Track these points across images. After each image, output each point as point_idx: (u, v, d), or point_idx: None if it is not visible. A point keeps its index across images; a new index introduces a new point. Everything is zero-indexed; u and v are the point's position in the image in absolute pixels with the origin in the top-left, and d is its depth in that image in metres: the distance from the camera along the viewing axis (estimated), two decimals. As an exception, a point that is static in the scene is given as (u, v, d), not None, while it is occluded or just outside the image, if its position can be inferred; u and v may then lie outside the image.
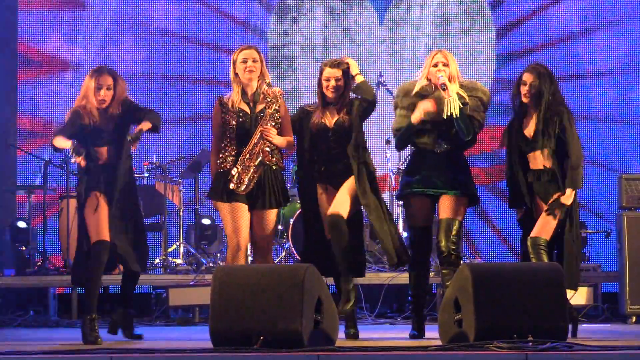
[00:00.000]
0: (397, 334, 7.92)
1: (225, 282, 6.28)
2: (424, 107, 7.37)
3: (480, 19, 12.21)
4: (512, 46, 12.15)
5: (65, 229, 10.68)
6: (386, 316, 10.10)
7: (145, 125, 7.29)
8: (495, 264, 7.36)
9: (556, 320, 6.17)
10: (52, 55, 12.12)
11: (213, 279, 6.33)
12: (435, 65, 7.41)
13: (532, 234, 7.35)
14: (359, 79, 7.49)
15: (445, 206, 7.41)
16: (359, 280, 9.45)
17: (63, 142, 7.29)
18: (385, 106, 11.26)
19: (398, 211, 10.71)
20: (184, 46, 12.14)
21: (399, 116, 7.55)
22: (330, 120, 7.42)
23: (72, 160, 7.45)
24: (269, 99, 7.33)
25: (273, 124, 7.32)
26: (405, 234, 10.38)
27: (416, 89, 7.47)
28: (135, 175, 9.10)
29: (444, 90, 7.31)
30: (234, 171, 7.20)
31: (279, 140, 7.30)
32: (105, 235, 7.26)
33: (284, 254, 10.64)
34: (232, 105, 7.31)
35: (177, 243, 10.89)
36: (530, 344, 5.93)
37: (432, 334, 7.10)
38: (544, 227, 7.34)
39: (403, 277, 9.52)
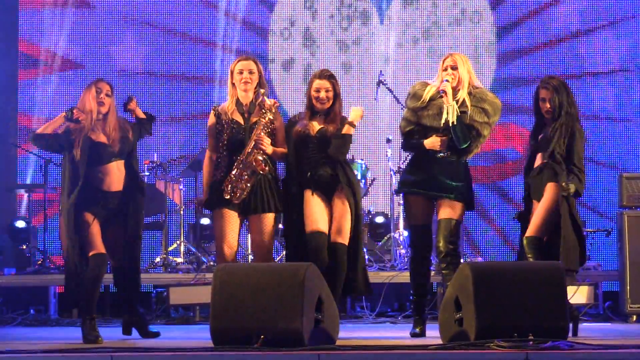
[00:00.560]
0: (397, 333, 7.92)
1: (226, 281, 6.29)
2: (434, 143, 7.38)
3: (481, 18, 12.21)
4: (513, 45, 12.14)
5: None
6: (387, 315, 10.09)
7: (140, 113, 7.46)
8: (495, 263, 7.41)
9: (557, 319, 6.17)
10: (53, 54, 12.11)
11: (214, 277, 6.34)
12: (445, 70, 7.42)
13: (527, 233, 7.43)
14: (347, 129, 7.47)
15: (442, 207, 7.44)
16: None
17: (48, 126, 7.37)
18: (385, 106, 11.29)
19: (399, 210, 10.71)
20: (186, 45, 12.13)
21: (404, 118, 7.58)
22: (314, 128, 7.43)
23: (72, 115, 7.37)
24: (264, 110, 7.33)
25: (268, 131, 7.32)
26: (405, 233, 10.40)
27: (427, 95, 7.44)
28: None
29: (440, 97, 7.33)
30: (228, 180, 7.22)
31: (272, 151, 7.30)
32: (101, 248, 7.27)
33: (284, 252, 10.63)
34: (226, 115, 7.33)
35: (178, 242, 10.89)
36: (531, 342, 5.93)
37: (433, 333, 7.10)
38: (539, 225, 7.40)
39: (404, 276, 9.53)
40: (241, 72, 7.33)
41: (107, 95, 7.42)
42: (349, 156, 10.61)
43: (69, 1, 12.11)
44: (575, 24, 12.13)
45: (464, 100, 7.35)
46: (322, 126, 7.45)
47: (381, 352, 6.04)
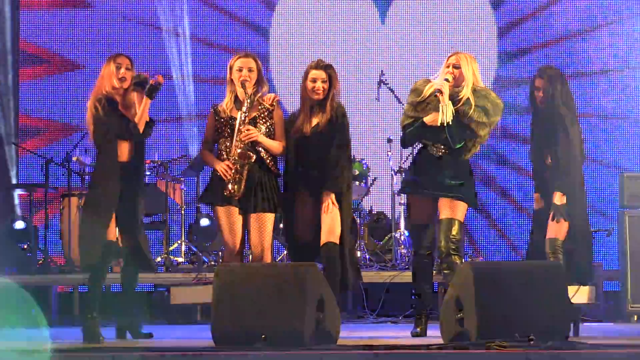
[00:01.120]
0: (399, 333, 7.92)
1: (227, 280, 6.29)
2: (434, 118, 7.38)
3: (482, 17, 12.21)
4: (514, 44, 12.14)
5: (67, 228, 10.69)
6: (388, 315, 10.09)
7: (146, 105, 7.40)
8: (497, 263, 7.42)
9: (558, 319, 6.17)
10: (54, 53, 12.11)
11: (215, 277, 6.34)
12: (448, 67, 7.40)
13: (549, 235, 7.68)
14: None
15: (444, 207, 7.43)
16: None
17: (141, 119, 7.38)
18: (386, 105, 11.28)
19: (400, 210, 10.71)
20: (187, 44, 12.14)
21: (404, 113, 7.54)
22: (308, 127, 7.40)
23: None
24: (261, 106, 7.32)
25: (263, 121, 7.29)
26: (406, 232, 10.40)
27: (427, 91, 7.43)
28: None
29: (435, 96, 7.32)
30: (226, 179, 7.21)
31: (264, 139, 7.26)
32: (112, 235, 7.26)
33: (285, 252, 10.64)
34: (224, 113, 7.32)
35: (179, 241, 10.89)
36: (532, 342, 5.93)
37: (434, 333, 7.10)
38: (560, 227, 7.66)
39: (405, 276, 9.53)
40: (240, 70, 7.31)
41: (127, 69, 7.36)
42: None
43: (72, 1, 12.12)
44: (577, 22, 12.13)
45: (467, 99, 7.34)
46: (317, 122, 7.42)
47: (382, 352, 6.04)
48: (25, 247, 10.82)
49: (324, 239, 7.32)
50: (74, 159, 10.88)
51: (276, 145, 7.32)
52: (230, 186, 7.18)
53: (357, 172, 10.61)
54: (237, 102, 7.35)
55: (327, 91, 7.37)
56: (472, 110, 7.30)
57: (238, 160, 7.19)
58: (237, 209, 7.24)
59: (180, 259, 10.73)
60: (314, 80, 7.37)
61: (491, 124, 7.39)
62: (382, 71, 10.88)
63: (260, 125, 7.30)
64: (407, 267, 9.99)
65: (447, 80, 7.32)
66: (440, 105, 7.28)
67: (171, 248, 10.84)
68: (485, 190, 11.90)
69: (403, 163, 10.59)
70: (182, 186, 11.13)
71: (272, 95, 7.42)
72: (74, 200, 10.74)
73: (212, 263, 10.35)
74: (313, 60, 7.50)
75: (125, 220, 7.34)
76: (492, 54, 12.17)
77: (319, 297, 6.33)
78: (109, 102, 7.27)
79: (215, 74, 11.94)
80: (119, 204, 7.27)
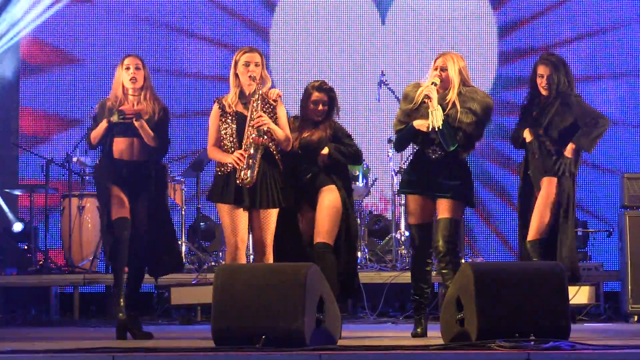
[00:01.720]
0: (399, 333, 7.92)
1: (228, 281, 6.29)
2: (422, 124, 7.40)
3: (482, 17, 12.21)
4: (514, 45, 12.15)
5: (67, 228, 10.70)
6: (388, 315, 10.10)
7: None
8: (497, 263, 7.43)
9: (558, 319, 6.17)
10: (56, 50, 12.12)
11: (215, 277, 6.33)
12: (435, 70, 7.44)
13: (529, 237, 7.67)
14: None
15: (441, 207, 7.45)
16: (362, 279, 9.45)
17: (97, 131, 7.47)
18: (387, 106, 11.28)
19: (400, 210, 10.71)
20: (187, 42, 12.14)
21: (396, 118, 7.60)
22: (297, 143, 7.48)
23: (113, 119, 7.43)
24: (265, 101, 7.33)
25: (268, 116, 7.30)
26: (407, 233, 10.40)
27: (418, 97, 7.46)
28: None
29: (424, 102, 7.34)
30: (239, 168, 7.18)
31: (275, 127, 7.24)
32: (125, 212, 7.32)
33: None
34: (230, 108, 7.31)
35: (179, 242, 10.88)
36: (532, 343, 5.93)
37: (434, 333, 7.11)
38: (539, 227, 7.61)
39: (405, 276, 9.53)
40: (247, 64, 7.29)
41: (137, 69, 7.50)
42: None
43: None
44: (578, 26, 12.14)
45: (453, 102, 7.36)
46: (305, 135, 7.46)
47: (382, 352, 6.04)
48: (26, 247, 10.82)
49: (316, 239, 7.34)
50: (74, 159, 10.89)
51: (285, 136, 7.31)
52: (242, 174, 7.14)
53: (357, 173, 10.61)
54: (242, 97, 7.34)
55: (326, 112, 7.50)
56: (459, 114, 7.32)
57: (252, 144, 7.17)
58: (241, 208, 7.23)
59: (181, 260, 10.72)
60: (316, 103, 7.47)
61: (481, 122, 7.39)
62: (382, 72, 10.89)
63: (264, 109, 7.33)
64: (407, 267, 9.99)
65: (434, 83, 7.35)
66: (429, 110, 7.31)
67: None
68: (485, 190, 11.91)
69: (403, 163, 10.60)
70: (183, 187, 11.13)
71: (276, 90, 7.43)
72: (75, 200, 10.75)
73: (213, 263, 10.35)
74: (315, 81, 7.62)
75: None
76: (493, 54, 12.18)
77: (319, 297, 6.33)
78: (109, 112, 7.42)
79: (216, 72, 11.95)
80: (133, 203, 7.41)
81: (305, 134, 7.48)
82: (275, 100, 7.35)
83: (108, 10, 12.14)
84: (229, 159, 7.20)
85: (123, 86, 7.56)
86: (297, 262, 6.95)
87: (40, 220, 11.09)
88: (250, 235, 7.39)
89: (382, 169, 11.47)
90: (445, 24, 12.19)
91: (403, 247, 10.54)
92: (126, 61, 7.52)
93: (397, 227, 10.72)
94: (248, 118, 7.24)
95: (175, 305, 9.81)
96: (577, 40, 12.10)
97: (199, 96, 12.05)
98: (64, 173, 10.98)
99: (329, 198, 7.42)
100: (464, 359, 5.84)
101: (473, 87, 7.48)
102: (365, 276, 9.80)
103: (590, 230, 10.76)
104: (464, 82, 7.42)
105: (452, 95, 7.37)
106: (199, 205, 11.15)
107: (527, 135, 7.85)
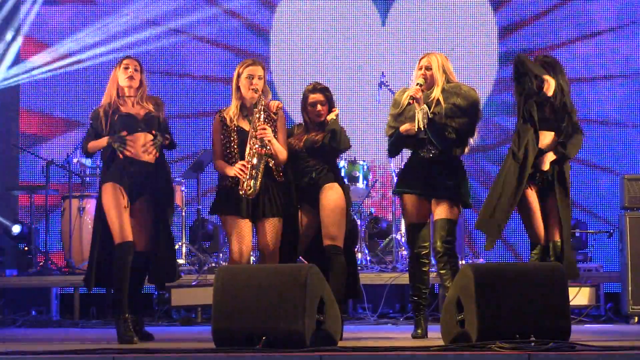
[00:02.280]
0: (399, 334, 7.92)
1: (228, 282, 6.29)
2: (406, 128, 7.44)
3: (483, 19, 12.22)
4: (515, 46, 12.15)
5: (67, 230, 10.70)
6: (388, 316, 10.10)
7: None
8: (497, 264, 7.39)
9: (558, 320, 6.17)
10: (56, 51, 12.12)
11: (215, 279, 6.33)
12: (420, 69, 7.51)
13: (554, 237, 7.56)
14: (330, 123, 7.52)
15: (437, 207, 7.47)
16: (362, 280, 9.46)
17: (96, 144, 7.33)
18: (387, 107, 11.27)
19: (401, 211, 10.71)
20: (187, 43, 12.15)
21: (387, 125, 7.70)
22: (301, 141, 7.51)
23: (120, 153, 7.37)
24: (266, 113, 7.34)
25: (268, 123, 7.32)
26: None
27: (404, 101, 7.51)
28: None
29: (409, 104, 7.38)
30: (242, 179, 7.18)
31: (275, 142, 7.26)
32: (129, 235, 7.24)
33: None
34: (231, 122, 7.32)
35: (180, 243, 10.89)
36: (533, 344, 5.93)
37: (435, 334, 7.11)
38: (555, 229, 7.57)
39: (405, 277, 9.51)
40: (250, 77, 7.31)
41: (135, 70, 7.46)
42: (351, 157, 10.67)
43: None
44: (578, 27, 12.14)
45: (437, 100, 7.39)
46: (309, 136, 7.49)
47: (383, 353, 6.04)
48: (26, 248, 10.83)
49: (328, 241, 7.36)
50: (75, 160, 10.90)
51: (282, 151, 7.35)
52: (245, 184, 7.15)
53: (357, 174, 10.61)
54: (243, 109, 7.36)
55: (326, 112, 7.54)
56: (444, 110, 7.35)
57: (256, 154, 7.18)
58: (246, 220, 7.24)
59: (181, 261, 10.73)
60: (314, 105, 7.50)
61: (468, 116, 7.40)
62: (382, 73, 10.89)
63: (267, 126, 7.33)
64: (407, 268, 9.98)
65: (419, 84, 7.41)
66: (415, 112, 7.34)
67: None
68: (485, 191, 11.90)
69: (404, 165, 10.59)
70: (183, 188, 11.13)
71: (276, 102, 7.44)
72: (75, 202, 10.75)
73: (213, 265, 10.35)
74: (309, 84, 7.64)
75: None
76: (493, 55, 12.18)
77: (320, 298, 6.33)
78: (105, 115, 7.37)
79: (216, 73, 11.96)
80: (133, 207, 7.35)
81: (310, 135, 7.51)
82: (275, 113, 7.36)
83: (109, 11, 12.13)
84: (232, 172, 7.21)
85: (119, 87, 7.49)
86: (297, 263, 6.97)
87: (41, 221, 11.09)
88: (257, 244, 7.39)
89: (383, 170, 11.47)
90: (445, 25, 12.19)
91: (403, 248, 10.55)
92: (125, 61, 7.49)
93: (398, 229, 10.72)
94: (250, 130, 7.25)
95: (176, 307, 9.81)
96: (577, 41, 12.10)
97: (199, 97, 12.05)
98: (64, 174, 10.99)
99: (333, 197, 7.43)
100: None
101: (457, 83, 7.53)
102: (366, 277, 9.81)
103: (590, 231, 10.76)
104: (447, 80, 7.46)
105: (437, 93, 7.43)
106: (199, 207, 11.15)
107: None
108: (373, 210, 11.36)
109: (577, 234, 10.78)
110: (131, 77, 7.44)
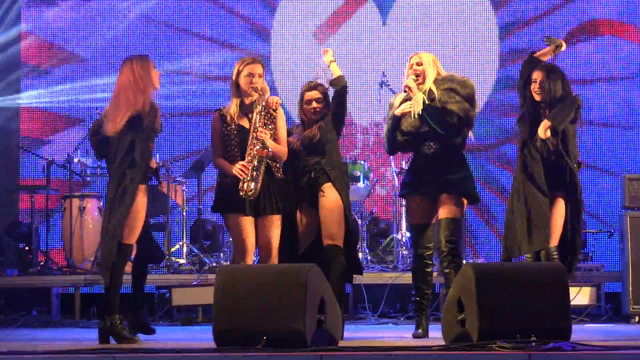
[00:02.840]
0: (400, 334, 7.92)
1: (229, 282, 6.29)
2: (401, 109, 7.50)
3: (483, 18, 12.21)
4: (515, 46, 12.15)
5: (68, 229, 10.70)
6: (389, 316, 10.10)
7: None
8: (498, 264, 7.40)
9: (559, 320, 6.17)
10: (57, 51, 12.12)
11: (216, 278, 6.34)
12: (411, 67, 7.56)
13: (553, 242, 7.68)
14: (334, 68, 7.59)
15: (442, 206, 7.46)
16: (363, 280, 9.47)
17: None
18: (388, 107, 11.27)
19: (402, 211, 10.71)
20: (188, 42, 12.14)
21: (385, 127, 7.72)
22: (298, 141, 7.54)
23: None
24: (266, 110, 7.34)
25: (267, 123, 7.33)
26: (408, 234, 10.40)
27: (397, 101, 7.55)
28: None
29: (405, 92, 7.41)
30: (242, 179, 7.19)
31: (272, 143, 7.28)
32: (134, 239, 7.27)
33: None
34: (232, 121, 7.33)
35: (180, 243, 10.89)
36: (534, 343, 5.93)
37: (436, 334, 7.11)
38: (554, 234, 7.69)
39: (406, 277, 9.54)
40: (250, 75, 7.32)
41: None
42: (351, 157, 10.67)
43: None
44: (576, 28, 12.13)
45: (430, 90, 7.43)
46: (306, 133, 7.52)
47: (383, 353, 6.04)
48: (26, 248, 10.82)
49: (327, 240, 7.38)
50: (75, 160, 10.90)
51: (282, 149, 7.37)
52: (245, 185, 7.15)
53: (358, 174, 10.61)
54: (243, 107, 7.36)
55: (322, 109, 7.58)
56: (438, 95, 7.38)
57: (256, 156, 7.19)
58: (249, 217, 7.24)
59: (182, 261, 10.73)
60: (309, 102, 7.55)
61: (466, 99, 7.41)
62: (383, 72, 10.88)
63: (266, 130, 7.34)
64: (408, 268, 9.99)
65: (414, 79, 7.47)
66: (413, 99, 7.37)
67: (173, 249, 10.83)
68: (486, 191, 11.91)
69: (405, 164, 10.60)
70: (184, 187, 11.13)
71: (275, 98, 7.45)
72: (75, 201, 10.75)
73: (214, 264, 10.35)
74: (306, 83, 7.70)
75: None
76: (494, 55, 12.18)
77: (320, 298, 6.33)
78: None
79: (217, 72, 11.95)
80: None
81: (306, 132, 7.54)
82: (275, 110, 7.37)
83: (109, 9, 12.13)
84: (233, 170, 7.21)
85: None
86: (297, 263, 6.97)
87: (41, 221, 11.10)
88: (257, 241, 7.40)
89: (383, 169, 11.47)
90: (446, 25, 12.19)
91: (404, 247, 10.54)
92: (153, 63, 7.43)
93: (398, 228, 10.72)
94: (251, 130, 7.25)
95: (177, 306, 9.81)
96: (578, 42, 12.09)
97: (200, 96, 12.04)
98: (65, 174, 10.99)
99: (333, 197, 7.44)
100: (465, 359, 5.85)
101: (450, 73, 7.58)
102: (367, 277, 9.81)
103: (591, 231, 10.76)
104: (437, 75, 7.51)
105: (429, 83, 7.48)
106: (200, 206, 11.15)
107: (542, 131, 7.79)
108: (374, 210, 11.37)
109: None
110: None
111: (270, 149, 7.22)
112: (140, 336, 7.36)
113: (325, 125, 7.55)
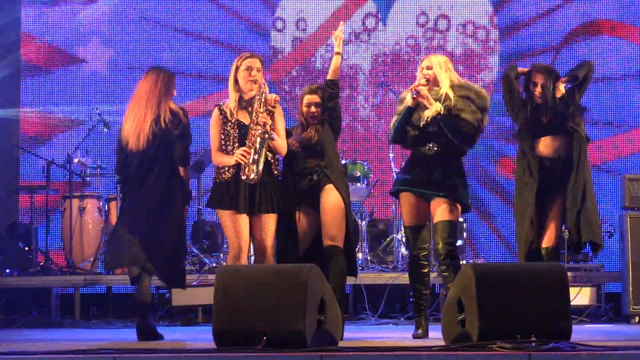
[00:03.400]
0: (400, 334, 7.92)
1: (229, 282, 6.29)
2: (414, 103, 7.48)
3: (484, 19, 12.21)
4: (515, 46, 12.15)
5: (68, 229, 10.69)
6: (389, 316, 10.09)
7: None
8: (498, 264, 7.42)
9: (559, 320, 6.17)
10: (57, 51, 12.11)
11: (216, 279, 6.34)
12: (422, 71, 7.52)
13: (544, 244, 7.67)
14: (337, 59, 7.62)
15: (437, 209, 7.45)
16: (363, 280, 9.47)
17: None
18: (388, 107, 11.28)
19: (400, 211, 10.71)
20: (188, 41, 12.13)
21: (392, 121, 7.69)
22: (296, 143, 7.55)
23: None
24: (265, 106, 7.35)
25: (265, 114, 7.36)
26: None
27: (409, 97, 7.54)
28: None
29: (414, 98, 7.39)
30: (243, 165, 7.20)
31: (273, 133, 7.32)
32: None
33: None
34: (231, 115, 7.34)
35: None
36: (534, 344, 5.93)
37: (436, 334, 7.10)
38: (552, 234, 7.66)
39: (406, 277, 9.50)
40: (248, 69, 7.34)
41: None
42: (351, 157, 10.66)
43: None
44: (576, 28, 12.13)
45: (447, 95, 7.40)
46: (303, 135, 7.53)
47: (383, 353, 6.04)
48: (26, 248, 10.82)
49: (328, 241, 7.38)
50: (75, 160, 10.89)
51: (281, 142, 7.37)
52: (247, 169, 7.16)
53: (358, 174, 10.61)
54: (242, 102, 7.37)
55: (321, 113, 7.59)
56: (454, 102, 7.35)
57: (258, 140, 7.19)
58: (243, 214, 7.25)
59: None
60: (309, 105, 7.57)
61: (481, 108, 7.41)
62: (383, 73, 10.89)
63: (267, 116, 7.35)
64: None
65: (424, 83, 7.44)
66: (425, 102, 7.38)
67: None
68: (485, 191, 11.90)
69: (403, 164, 10.59)
70: (184, 187, 11.11)
71: (273, 95, 7.45)
72: (75, 201, 10.75)
73: (214, 265, 10.35)
74: (306, 86, 7.75)
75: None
76: (494, 55, 12.17)
77: (320, 298, 6.33)
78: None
79: (216, 72, 11.95)
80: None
81: (304, 134, 7.55)
82: (273, 106, 7.38)
83: (109, 10, 12.13)
84: (233, 160, 7.22)
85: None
86: (297, 263, 6.97)
87: (41, 221, 11.09)
88: (251, 239, 7.40)
89: (383, 170, 11.47)
90: (446, 25, 12.18)
91: (404, 248, 10.54)
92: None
93: (398, 228, 10.71)
94: (250, 121, 7.27)
95: (177, 307, 9.80)
96: (578, 42, 12.09)
97: (200, 96, 12.03)
98: (65, 174, 10.98)
99: (333, 198, 7.45)
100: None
101: (466, 82, 7.56)
102: (367, 277, 9.81)
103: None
104: (453, 80, 7.49)
105: (445, 89, 7.45)
106: (200, 207, 11.14)
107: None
108: (374, 210, 11.36)
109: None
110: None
111: (271, 133, 7.22)
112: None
113: (323, 127, 7.56)
